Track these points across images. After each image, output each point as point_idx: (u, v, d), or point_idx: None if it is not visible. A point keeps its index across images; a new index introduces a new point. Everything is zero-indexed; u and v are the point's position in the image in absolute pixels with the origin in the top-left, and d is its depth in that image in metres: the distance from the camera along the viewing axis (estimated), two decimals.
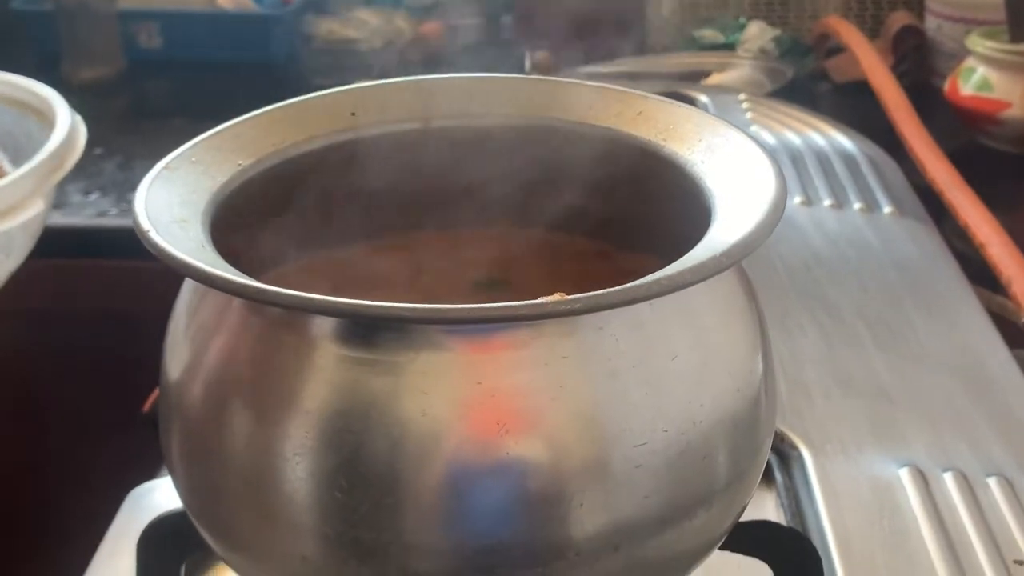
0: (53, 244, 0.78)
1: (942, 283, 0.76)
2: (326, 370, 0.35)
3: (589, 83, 0.47)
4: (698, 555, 0.40)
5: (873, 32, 1.36)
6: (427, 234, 0.49)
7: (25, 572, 0.87)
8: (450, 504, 0.35)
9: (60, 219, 0.98)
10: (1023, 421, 0.62)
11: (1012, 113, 1.10)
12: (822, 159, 0.92)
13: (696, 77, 1.24)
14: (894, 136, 1.02)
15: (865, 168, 0.91)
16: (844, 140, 0.96)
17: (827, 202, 0.85)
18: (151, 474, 0.61)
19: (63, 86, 0.81)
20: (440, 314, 0.33)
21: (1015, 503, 0.55)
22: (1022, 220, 0.95)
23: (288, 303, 0.34)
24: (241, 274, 0.35)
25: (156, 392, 0.42)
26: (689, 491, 0.37)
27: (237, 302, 0.37)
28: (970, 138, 1.15)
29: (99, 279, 1.01)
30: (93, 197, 1.08)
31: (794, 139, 0.96)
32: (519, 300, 0.33)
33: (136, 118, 1.33)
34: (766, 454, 0.41)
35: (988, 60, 1.11)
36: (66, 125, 0.75)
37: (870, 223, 0.83)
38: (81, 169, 0.77)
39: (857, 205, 0.85)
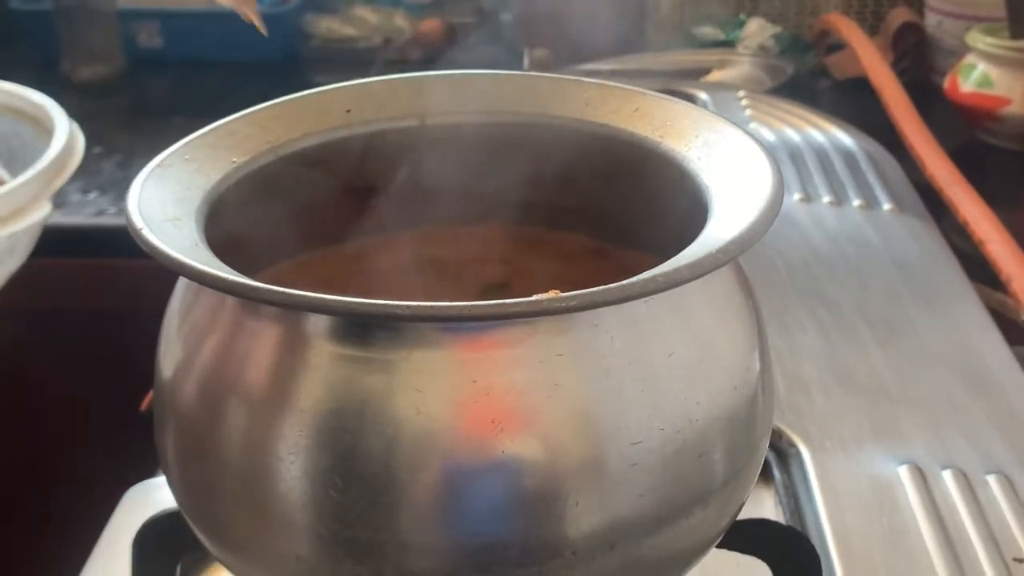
0: (52, 243, 0.78)
1: (942, 280, 0.76)
2: (320, 368, 0.35)
3: (586, 79, 0.47)
4: (695, 554, 0.40)
5: (873, 29, 1.36)
6: (422, 231, 0.48)
7: (22, 570, 0.88)
8: (445, 503, 0.35)
9: (59, 218, 0.98)
10: (1023, 419, 0.61)
11: (1012, 110, 1.10)
12: (822, 156, 0.92)
13: (696, 74, 1.24)
14: (894, 133, 1.02)
15: (865, 165, 0.91)
16: (844, 137, 0.96)
17: (827, 199, 0.84)
18: (149, 472, 0.61)
19: (62, 85, 0.82)
20: (434, 312, 0.33)
21: (1014, 501, 0.55)
22: (1022, 217, 0.95)
23: (282, 301, 0.34)
24: (235, 272, 0.35)
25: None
26: (686, 489, 0.37)
27: (231, 300, 0.37)
28: (970, 135, 1.15)
29: (98, 277, 1.01)
30: (92, 196, 1.08)
31: (794, 136, 0.96)
32: (514, 297, 0.33)
33: (135, 117, 1.33)
34: (763, 452, 0.41)
35: (988, 57, 1.11)
36: (65, 132, 0.76)
37: (870, 220, 0.82)
38: (80, 168, 0.77)
39: (857, 202, 0.84)
